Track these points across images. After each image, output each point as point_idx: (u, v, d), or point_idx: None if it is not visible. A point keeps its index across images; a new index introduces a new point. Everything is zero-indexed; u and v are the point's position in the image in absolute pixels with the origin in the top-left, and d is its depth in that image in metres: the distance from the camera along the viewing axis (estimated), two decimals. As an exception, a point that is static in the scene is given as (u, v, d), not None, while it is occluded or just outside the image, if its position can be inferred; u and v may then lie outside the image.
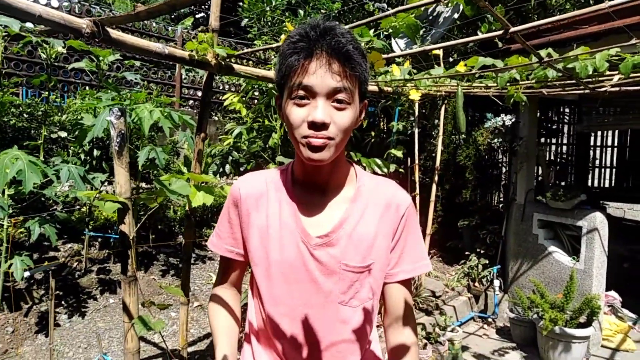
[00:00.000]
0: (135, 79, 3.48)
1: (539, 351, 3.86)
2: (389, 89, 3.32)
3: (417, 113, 3.91)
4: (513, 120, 4.59)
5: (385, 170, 3.09)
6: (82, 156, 3.93)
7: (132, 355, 2.11)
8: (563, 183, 6.08)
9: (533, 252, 4.41)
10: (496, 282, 4.54)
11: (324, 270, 1.12)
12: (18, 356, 2.98)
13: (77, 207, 4.18)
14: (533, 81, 2.65)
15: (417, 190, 3.87)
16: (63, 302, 3.53)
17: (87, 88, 5.49)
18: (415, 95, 3.26)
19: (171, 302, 3.79)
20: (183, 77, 6.77)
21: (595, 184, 6.48)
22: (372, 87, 3.23)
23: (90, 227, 3.85)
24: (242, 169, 2.87)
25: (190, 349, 3.14)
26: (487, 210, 5.41)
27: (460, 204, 5.44)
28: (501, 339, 4.24)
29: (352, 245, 1.11)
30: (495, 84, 2.95)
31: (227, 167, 2.84)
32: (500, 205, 5.96)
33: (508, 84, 2.79)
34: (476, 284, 4.73)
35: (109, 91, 3.02)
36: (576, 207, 4.06)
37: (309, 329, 1.13)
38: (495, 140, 4.70)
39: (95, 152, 3.96)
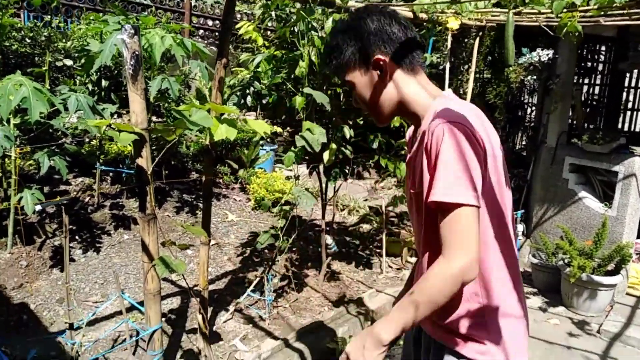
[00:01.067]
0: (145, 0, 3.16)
1: (562, 297, 3.78)
2: (425, 16, 3.00)
3: (449, 45, 3.59)
4: (550, 56, 4.24)
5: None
6: (90, 86, 3.69)
7: (153, 296, 2.00)
8: (592, 126, 5.77)
9: (561, 197, 4.23)
10: (519, 227, 4.40)
11: None
12: (34, 290, 2.92)
13: (87, 140, 4.00)
14: (595, 6, 2.33)
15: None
16: (77, 237, 3.43)
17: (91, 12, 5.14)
18: (454, 24, 2.94)
19: (187, 240, 3.70)
20: (192, 4, 6.34)
21: (626, 128, 6.17)
22: (406, 13, 2.90)
23: (101, 160, 3.68)
24: (264, 101, 2.64)
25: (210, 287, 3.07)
26: (512, 153, 5.17)
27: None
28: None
29: None
30: (548, 11, 2.62)
31: (249, 99, 2.60)
32: (524, 149, 5.71)
33: (565, 10, 2.47)
34: (498, 228, 4.59)
35: (116, 15, 2.74)
36: (614, 152, 3.82)
37: None
38: (529, 77, 4.38)
39: (104, 83, 3.71)
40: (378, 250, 4.00)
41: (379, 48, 1.19)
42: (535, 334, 3.29)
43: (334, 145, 2.70)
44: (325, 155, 2.70)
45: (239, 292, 3.04)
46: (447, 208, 1.04)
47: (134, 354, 2.34)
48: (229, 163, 4.87)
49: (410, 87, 1.22)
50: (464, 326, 1.17)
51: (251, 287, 2.50)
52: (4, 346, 2.37)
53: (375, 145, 2.89)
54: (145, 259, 1.93)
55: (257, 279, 2.61)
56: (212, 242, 3.73)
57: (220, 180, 4.87)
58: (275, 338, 2.63)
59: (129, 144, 1.78)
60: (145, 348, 2.39)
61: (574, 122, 4.93)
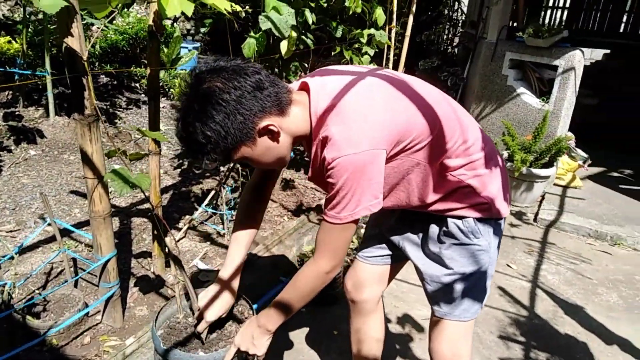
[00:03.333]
0: None
1: (501, 191, 3.92)
2: None
3: None
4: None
5: None
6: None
7: (103, 219, 1.61)
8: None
9: (499, 94, 4.24)
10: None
11: None
12: None
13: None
14: None
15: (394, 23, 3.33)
16: (-33, 156, 2.77)
17: None
18: None
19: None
20: None
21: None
22: None
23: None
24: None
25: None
26: (446, 53, 5.06)
27: (420, 43, 5.01)
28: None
29: None
30: None
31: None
32: (455, 47, 5.63)
33: None
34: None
35: None
36: (555, 45, 3.82)
37: None
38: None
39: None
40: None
41: (255, 115, 1.06)
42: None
43: (293, 34, 2.29)
44: (284, 46, 2.29)
45: (187, 208, 2.68)
46: (329, 222, 1.13)
47: (75, 286, 1.96)
48: (146, 64, 4.19)
49: (293, 122, 1.13)
50: (466, 202, 1.24)
51: (207, 201, 2.18)
52: None
53: (339, 34, 2.52)
54: (89, 174, 1.51)
55: (213, 191, 2.28)
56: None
57: (137, 85, 4.21)
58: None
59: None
60: (88, 280, 2.02)
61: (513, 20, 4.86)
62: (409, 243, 1.41)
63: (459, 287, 1.30)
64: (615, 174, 4.58)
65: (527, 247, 3.25)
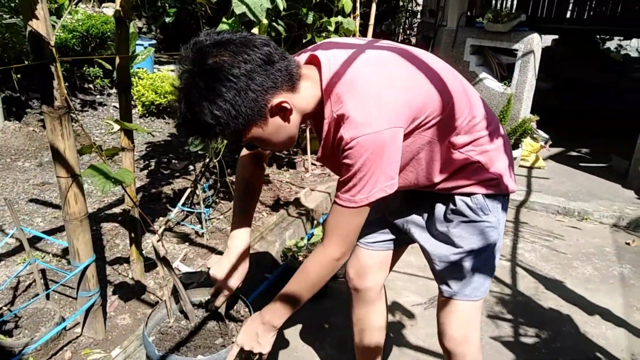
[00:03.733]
0: None
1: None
2: None
3: None
4: None
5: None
6: None
7: (80, 222, 1.48)
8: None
9: (462, 81, 4.30)
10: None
11: None
12: None
13: None
14: None
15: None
16: None
17: None
18: None
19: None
20: None
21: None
22: None
23: None
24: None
25: (121, 208, 2.51)
26: (406, 42, 5.10)
27: (381, 33, 5.02)
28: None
29: None
30: None
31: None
32: (414, 37, 5.69)
33: None
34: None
35: None
36: (513, 30, 3.91)
37: None
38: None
39: None
40: (294, 150, 3.71)
41: (267, 91, 0.97)
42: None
43: (265, 20, 2.21)
44: (255, 33, 2.21)
45: (159, 210, 2.54)
46: (342, 206, 1.07)
47: (47, 298, 1.80)
48: (100, 63, 3.97)
49: (304, 98, 1.06)
50: (474, 179, 1.21)
51: (182, 200, 2.06)
52: None
53: (309, 20, 2.46)
54: (62, 173, 1.38)
55: (189, 189, 2.16)
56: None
57: (91, 86, 3.98)
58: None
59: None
60: (61, 292, 1.86)
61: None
62: (414, 225, 1.36)
63: (468, 265, 1.27)
64: (574, 153, 4.76)
65: (502, 228, 3.31)
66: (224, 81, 0.93)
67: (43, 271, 1.95)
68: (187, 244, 2.31)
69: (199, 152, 2.32)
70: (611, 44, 8.27)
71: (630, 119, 4.30)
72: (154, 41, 4.64)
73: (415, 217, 1.36)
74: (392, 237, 1.47)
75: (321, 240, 1.17)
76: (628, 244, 3.16)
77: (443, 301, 1.36)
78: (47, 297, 1.80)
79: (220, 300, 1.38)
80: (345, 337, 2.18)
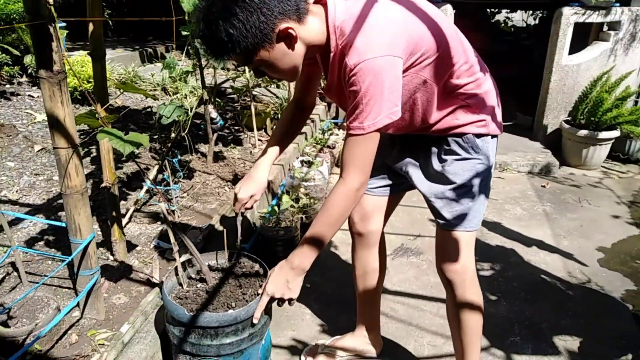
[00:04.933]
0: None
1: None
2: None
3: None
4: None
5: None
6: None
7: (81, 195, 1.42)
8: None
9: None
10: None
11: None
12: None
13: None
14: None
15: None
16: None
17: None
18: None
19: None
20: None
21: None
22: None
23: None
24: None
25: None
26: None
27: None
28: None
29: None
30: None
31: None
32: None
33: None
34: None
35: None
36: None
37: None
38: None
39: None
40: (237, 128, 3.69)
41: (276, 16, 1.08)
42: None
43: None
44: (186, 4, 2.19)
45: (121, 193, 2.43)
46: (354, 135, 1.16)
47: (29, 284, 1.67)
48: (6, 48, 3.60)
49: (309, 30, 1.16)
50: (466, 120, 1.34)
51: (151, 175, 1.99)
52: None
53: None
54: (61, 143, 1.32)
55: (156, 167, 2.09)
56: (38, 147, 2.82)
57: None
58: (196, 228, 2.25)
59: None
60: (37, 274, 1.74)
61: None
62: (412, 167, 1.48)
63: (462, 198, 1.39)
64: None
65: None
66: (238, 2, 1.04)
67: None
68: (158, 222, 2.24)
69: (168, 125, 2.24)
70: (500, 17, 9.13)
71: (529, 83, 4.84)
72: (63, 24, 4.26)
73: (413, 161, 1.48)
74: (390, 182, 1.59)
75: (340, 176, 1.24)
76: (544, 186, 3.63)
77: (441, 235, 1.48)
78: (28, 282, 1.67)
79: (238, 207, 1.51)
80: (327, 292, 2.30)
